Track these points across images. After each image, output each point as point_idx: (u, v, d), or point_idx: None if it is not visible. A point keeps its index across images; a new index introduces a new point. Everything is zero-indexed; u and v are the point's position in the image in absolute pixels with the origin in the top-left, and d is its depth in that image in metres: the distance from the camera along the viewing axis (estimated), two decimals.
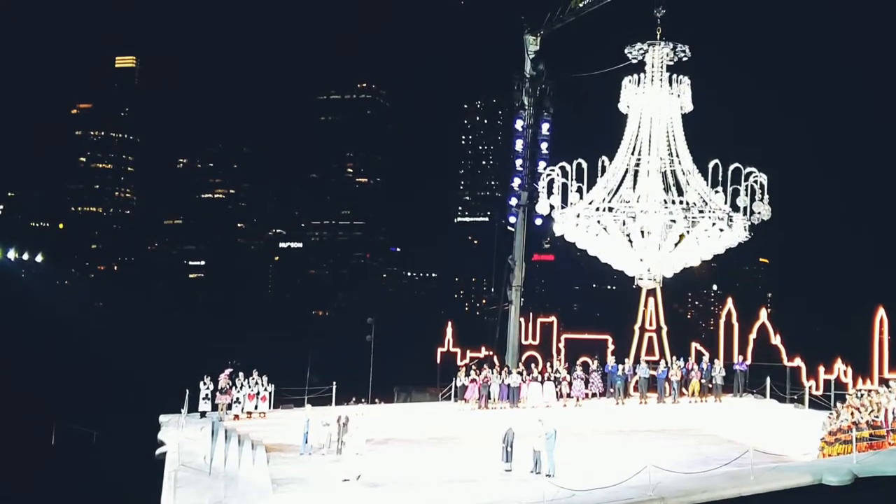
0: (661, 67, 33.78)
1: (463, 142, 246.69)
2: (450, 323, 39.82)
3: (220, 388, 31.64)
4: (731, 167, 33.11)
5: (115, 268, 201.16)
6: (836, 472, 22.52)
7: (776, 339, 36.48)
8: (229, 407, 31.59)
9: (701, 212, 32.94)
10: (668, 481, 22.09)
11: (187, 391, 30.68)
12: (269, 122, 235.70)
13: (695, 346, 37.94)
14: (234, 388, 31.76)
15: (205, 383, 31.71)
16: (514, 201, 40.56)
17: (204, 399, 31.58)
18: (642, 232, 33.23)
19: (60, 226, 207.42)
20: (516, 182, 40.28)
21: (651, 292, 38.33)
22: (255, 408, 31.97)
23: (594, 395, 35.74)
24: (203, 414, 31.15)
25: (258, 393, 32.02)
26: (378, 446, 29.39)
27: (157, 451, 27.86)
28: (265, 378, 32.37)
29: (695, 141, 34.00)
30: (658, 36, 33.86)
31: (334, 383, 33.04)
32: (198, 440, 27.35)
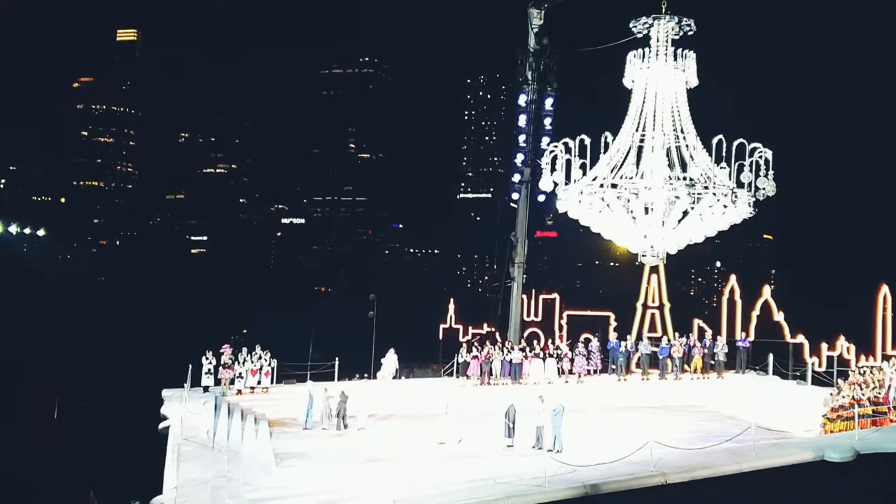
0: (667, 42, 33.58)
1: (466, 117, 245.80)
2: (452, 299, 39.77)
3: (222, 363, 31.67)
4: (736, 143, 32.98)
5: (117, 242, 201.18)
6: (838, 449, 22.52)
7: (779, 316, 36.43)
8: (232, 382, 31.63)
9: (705, 188, 32.85)
10: (669, 457, 22.11)
11: (190, 366, 30.72)
12: (270, 96, 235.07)
13: (697, 322, 37.90)
14: (236, 363, 31.79)
15: (207, 358, 31.75)
16: (517, 177, 40.39)
17: (206, 374, 31.63)
18: (646, 208, 33.17)
19: (62, 200, 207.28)
20: (519, 158, 40.10)
21: (654, 269, 38.26)
22: (258, 383, 32.01)
23: (595, 371, 35.76)
24: (206, 389, 31.19)
25: (261, 368, 32.06)
26: (380, 422, 29.50)
27: (160, 426, 27.93)
28: (268, 353, 32.42)
29: (700, 117, 33.83)
30: (663, 10, 33.64)
31: (336, 359, 33.11)
32: (201, 415, 27.40)
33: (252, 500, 20.50)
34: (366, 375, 32.05)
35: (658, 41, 33.55)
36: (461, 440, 25.75)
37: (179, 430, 25.68)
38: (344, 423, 28.28)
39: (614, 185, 33.31)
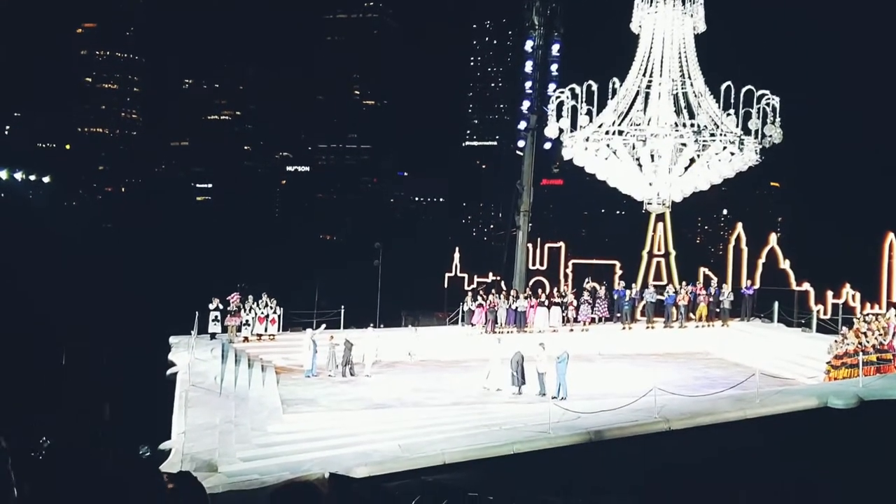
0: None
1: (472, 63, 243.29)
2: (457, 248, 39.74)
3: (229, 310, 31.81)
4: (744, 89, 32.65)
5: (123, 189, 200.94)
6: (842, 396, 22.66)
7: (785, 264, 36.37)
8: (239, 329, 31.81)
9: (712, 135, 32.61)
10: (673, 404, 22.27)
11: (197, 313, 30.84)
12: (274, 42, 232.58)
13: (703, 270, 37.87)
14: (243, 310, 31.94)
15: (214, 305, 31.88)
16: (522, 125, 40.10)
17: (213, 321, 31.76)
18: (652, 156, 32.98)
19: (67, 147, 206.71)
20: (525, 105, 39.77)
21: (660, 217, 38.12)
22: (265, 330, 32.23)
23: (600, 319, 35.83)
24: (213, 336, 31.37)
25: (267, 315, 32.24)
26: (385, 369, 29.70)
27: (168, 372, 28.16)
28: (274, 301, 32.57)
29: (707, 63, 33.46)
30: None
31: (342, 307, 33.22)
32: (208, 361, 27.63)
33: (260, 445, 20.75)
34: (372, 325, 32.17)
35: None
36: (499, 389, 26.07)
37: (187, 377, 25.90)
38: (350, 370, 28.49)
39: (621, 132, 33.08)
